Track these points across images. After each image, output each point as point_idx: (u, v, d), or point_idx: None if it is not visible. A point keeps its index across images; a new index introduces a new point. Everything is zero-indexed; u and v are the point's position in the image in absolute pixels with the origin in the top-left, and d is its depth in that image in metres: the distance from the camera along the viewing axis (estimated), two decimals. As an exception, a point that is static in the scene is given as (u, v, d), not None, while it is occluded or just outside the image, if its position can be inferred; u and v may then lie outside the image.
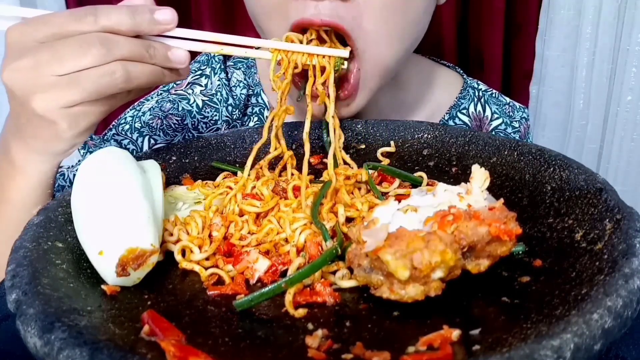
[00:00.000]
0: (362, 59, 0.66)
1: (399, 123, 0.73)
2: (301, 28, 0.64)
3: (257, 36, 0.78)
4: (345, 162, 0.64)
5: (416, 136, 0.70)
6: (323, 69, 0.63)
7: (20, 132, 0.58)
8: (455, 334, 0.36)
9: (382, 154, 0.69)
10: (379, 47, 0.66)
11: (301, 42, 0.64)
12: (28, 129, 0.56)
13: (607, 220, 0.45)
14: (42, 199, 0.61)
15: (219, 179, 0.62)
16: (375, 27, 0.64)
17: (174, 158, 0.67)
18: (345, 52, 0.63)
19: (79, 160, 0.83)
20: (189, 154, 0.69)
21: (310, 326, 0.40)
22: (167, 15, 0.54)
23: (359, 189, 0.59)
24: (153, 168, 0.56)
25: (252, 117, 0.90)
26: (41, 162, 0.59)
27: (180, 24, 0.56)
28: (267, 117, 0.89)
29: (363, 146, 0.72)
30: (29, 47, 0.52)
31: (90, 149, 0.81)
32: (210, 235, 0.52)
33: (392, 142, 0.70)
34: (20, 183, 0.60)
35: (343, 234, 0.50)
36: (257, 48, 0.62)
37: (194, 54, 0.62)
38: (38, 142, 0.57)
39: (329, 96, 0.63)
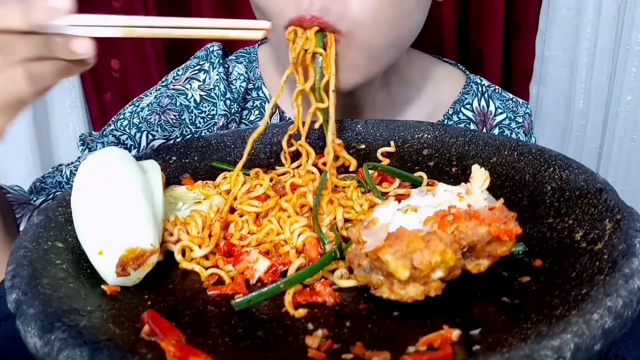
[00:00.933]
0: (347, 38, 0.65)
1: (399, 123, 0.73)
2: (295, 24, 0.65)
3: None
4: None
5: (416, 136, 0.70)
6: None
7: None
8: (455, 334, 0.36)
9: (382, 154, 0.69)
10: (367, 30, 0.66)
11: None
12: None
13: (607, 220, 0.45)
14: None
15: (219, 179, 0.62)
16: (362, 14, 0.64)
17: (174, 158, 0.67)
18: (266, 23, 0.61)
19: (78, 157, 0.83)
20: (189, 154, 0.69)
21: (310, 326, 0.40)
22: None
23: (359, 186, 0.59)
24: (153, 168, 0.56)
25: (252, 111, 0.90)
26: None
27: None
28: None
29: (363, 146, 0.72)
30: None
31: (89, 145, 0.81)
32: (210, 235, 0.52)
33: (392, 142, 0.70)
34: None
35: (341, 236, 0.50)
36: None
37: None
38: None
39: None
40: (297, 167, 0.64)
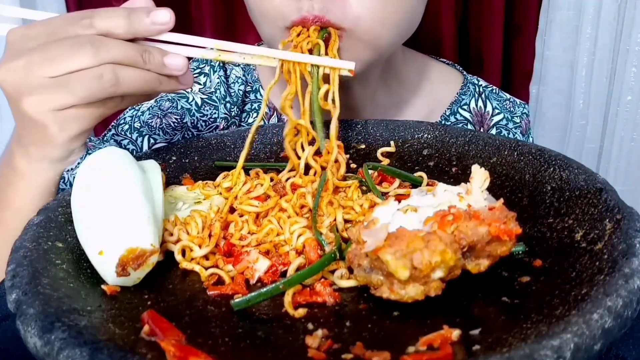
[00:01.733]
0: (350, 35, 0.65)
1: (399, 123, 0.72)
2: (298, 25, 0.64)
3: (258, 38, 0.79)
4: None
5: (416, 136, 0.70)
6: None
7: (19, 138, 0.58)
8: (455, 334, 0.36)
9: (382, 154, 0.69)
10: (371, 25, 0.66)
11: (301, 47, 0.63)
12: (24, 134, 0.56)
13: (607, 220, 0.45)
14: None
15: (219, 179, 0.62)
16: (364, 11, 0.64)
17: (174, 158, 0.67)
18: (351, 64, 0.61)
19: (78, 163, 0.83)
20: (189, 154, 0.69)
21: (310, 326, 0.40)
22: (164, 16, 0.53)
23: (360, 187, 0.59)
24: (153, 168, 0.56)
25: (251, 114, 0.90)
26: (41, 169, 0.59)
27: (181, 25, 0.56)
28: (266, 113, 0.89)
29: (363, 146, 0.72)
30: (26, 49, 0.52)
31: (90, 151, 0.81)
32: (210, 235, 0.52)
33: (392, 142, 0.70)
34: (21, 190, 0.60)
35: (341, 237, 0.50)
36: (260, 43, 0.61)
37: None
38: (34, 148, 0.57)
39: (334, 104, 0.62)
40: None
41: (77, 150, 0.58)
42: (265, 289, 0.42)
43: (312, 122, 0.62)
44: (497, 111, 0.95)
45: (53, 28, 0.52)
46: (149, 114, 0.84)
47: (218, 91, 0.87)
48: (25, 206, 0.60)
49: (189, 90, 0.87)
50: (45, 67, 0.50)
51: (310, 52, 0.62)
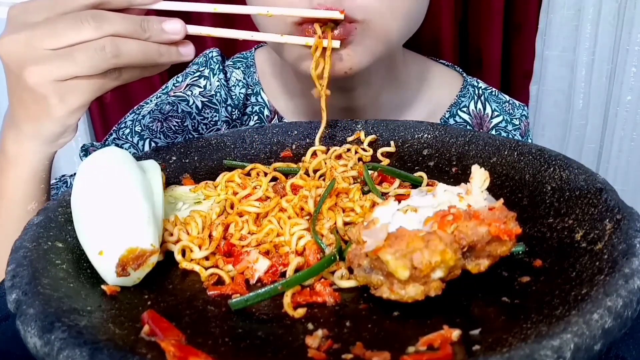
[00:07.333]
0: (364, 27, 0.66)
1: (399, 123, 0.72)
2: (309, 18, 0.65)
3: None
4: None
5: (416, 136, 0.70)
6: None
7: (13, 118, 0.58)
8: (455, 334, 0.36)
9: (382, 154, 0.69)
10: (384, 18, 0.67)
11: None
12: (20, 110, 0.57)
13: (607, 220, 0.45)
14: (36, 194, 0.62)
15: (219, 179, 0.62)
16: (377, 3, 0.65)
17: (174, 158, 0.67)
18: (339, 15, 0.63)
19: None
20: (189, 154, 0.69)
21: (310, 326, 0.40)
22: None
23: (362, 190, 0.59)
24: (153, 168, 0.56)
25: (252, 117, 0.90)
26: (32, 151, 0.59)
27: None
28: (267, 116, 0.89)
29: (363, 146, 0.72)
30: (28, 23, 0.53)
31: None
32: (210, 236, 0.52)
33: (392, 142, 0.70)
34: (12, 175, 0.60)
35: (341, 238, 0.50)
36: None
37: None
38: (29, 125, 0.57)
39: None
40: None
41: (69, 131, 0.58)
42: (263, 290, 0.42)
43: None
44: (496, 113, 0.95)
45: (53, 1, 0.53)
46: (150, 118, 0.84)
47: (218, 94, 0.87)
48: (15, 192, 0.61)
49: (189, 93, 0.87)
50: (48, 40, 0.52)
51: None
